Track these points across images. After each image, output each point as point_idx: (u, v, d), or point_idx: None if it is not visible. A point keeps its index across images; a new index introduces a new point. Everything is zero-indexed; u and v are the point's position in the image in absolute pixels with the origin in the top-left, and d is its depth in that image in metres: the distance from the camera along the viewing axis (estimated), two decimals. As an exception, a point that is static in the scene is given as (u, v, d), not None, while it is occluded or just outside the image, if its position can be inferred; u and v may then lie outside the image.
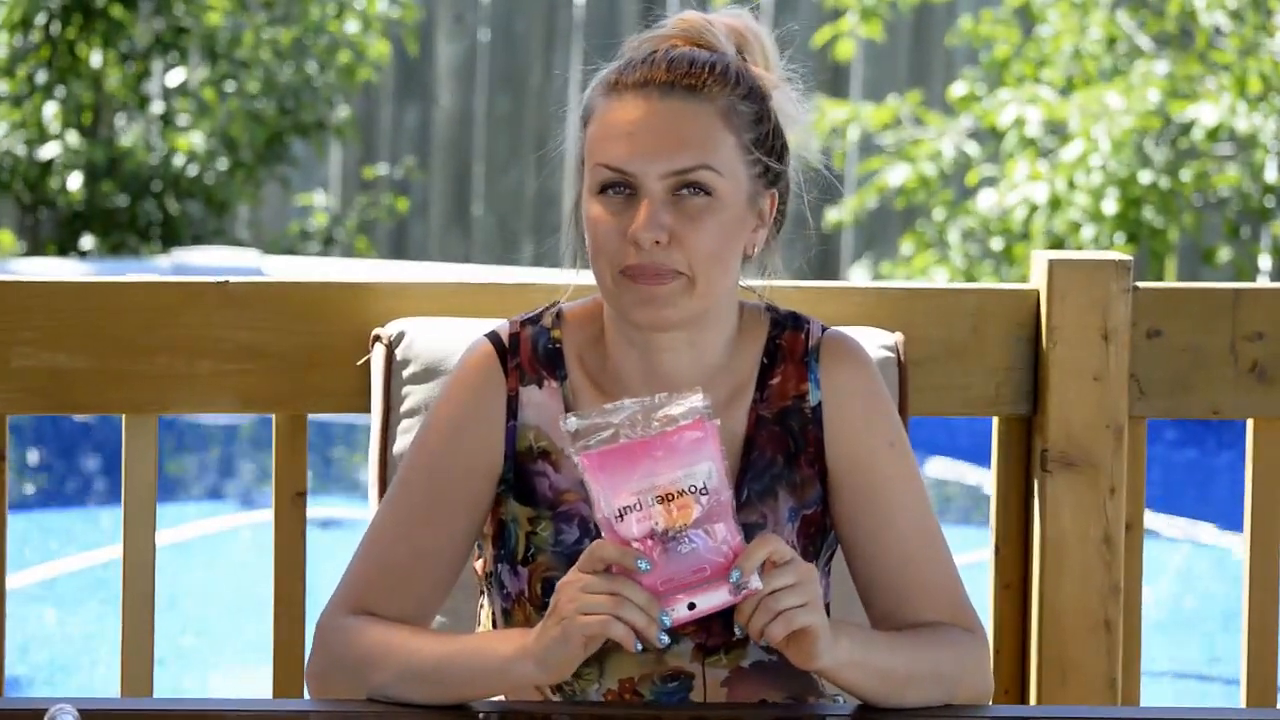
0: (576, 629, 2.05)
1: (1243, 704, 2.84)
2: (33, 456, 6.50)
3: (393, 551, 2.24)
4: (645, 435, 2.00)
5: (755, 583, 2.04)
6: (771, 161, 2.24)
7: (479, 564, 2.35)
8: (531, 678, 2.11)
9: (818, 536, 2.28)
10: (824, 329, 2.31)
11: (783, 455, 2.26)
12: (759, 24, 2.29)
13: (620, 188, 2.19)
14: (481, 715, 2.16)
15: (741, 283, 2.31)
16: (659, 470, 2.00)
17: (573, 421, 2.03)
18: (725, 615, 2.18)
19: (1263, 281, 7.01)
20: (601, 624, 2.04)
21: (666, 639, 2.04)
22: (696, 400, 2.03)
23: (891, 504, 2.25)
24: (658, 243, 2.17)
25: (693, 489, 2.01)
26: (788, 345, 2.29)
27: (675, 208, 2.18)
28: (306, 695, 2.28)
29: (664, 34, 2.27)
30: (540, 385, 2.27)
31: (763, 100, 2.24)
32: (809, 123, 2.30)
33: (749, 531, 2.22)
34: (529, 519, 2.25)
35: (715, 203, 2.19)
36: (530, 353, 2.28)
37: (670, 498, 2.01)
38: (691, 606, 2.03)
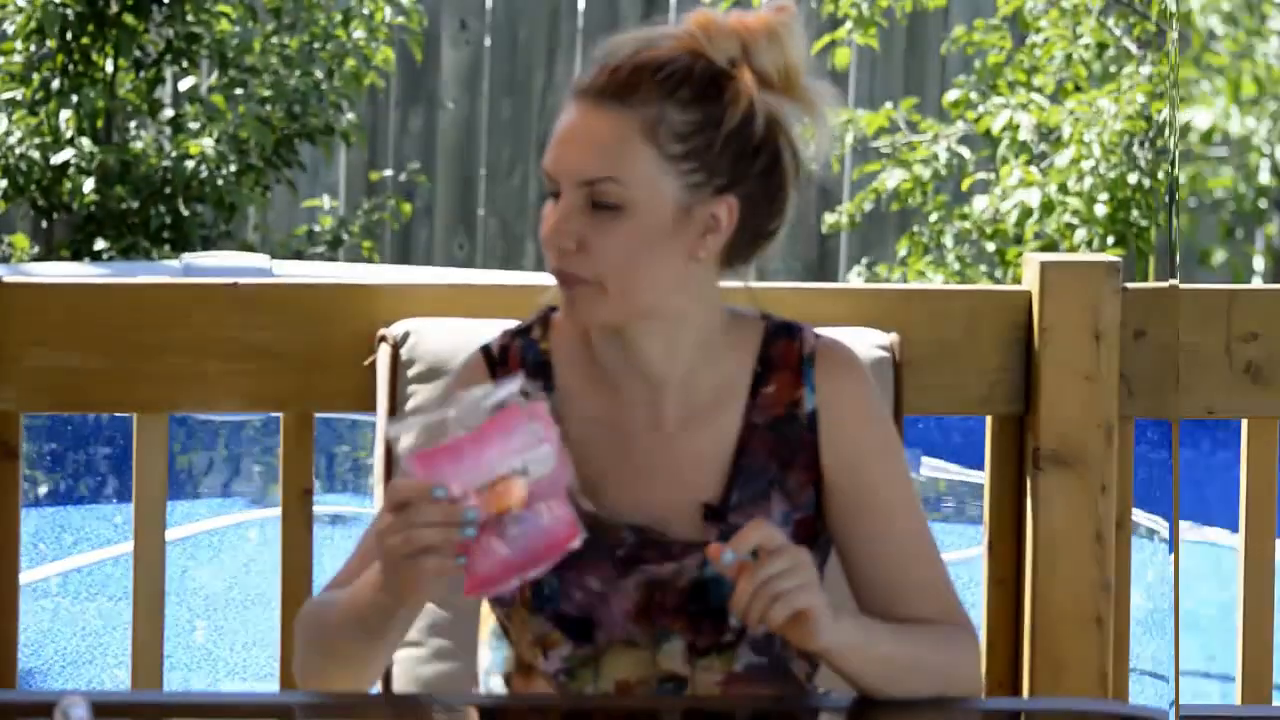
0: (401, 583, 2.05)
1: (1238, 701, 2.86)
2: (47, 454, 6.52)
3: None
4: (470, 429, 2.02)
5: (728, 557, 2.06)
6: (718, 173, 2.21)
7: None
8: (393, 604, 2.11)
9: (811, 541, 2.28)
10: (817, 336, 2.32)
11: (776, 462, 2.27)
12: (786, 17, 2.23)
13: (554, 192, 2.23)
14: (477, 708, 2.18)
15: (730, 284, 2.31)
16: (481, 460, 2.01)
17: (396, 428, 2.03)
18: (715, 614, 2.22)
19: (1257, 283, 7.01)
20: (415, 570, 2.03)
21: (472, 532, 2.01)
22: (513, 385, 2.04)
23: (886, 507, 2.27)
24: (566, 249, 2.20)
25: (514, 471, 2.02)
26: (781, 355, 2.30)
27: (589, 216, 2.20)
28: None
29: (646, 35, 2.24)
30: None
31: (717, 105, 2.20)
32: (831, 123, 2.26)
33: None
34: (517, 522, 2.27)
35: (625, 213, 2.20)
36: (519, 364, 2.30)
37: (492, 484, 2.02)
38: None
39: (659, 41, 2.24)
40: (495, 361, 2.31)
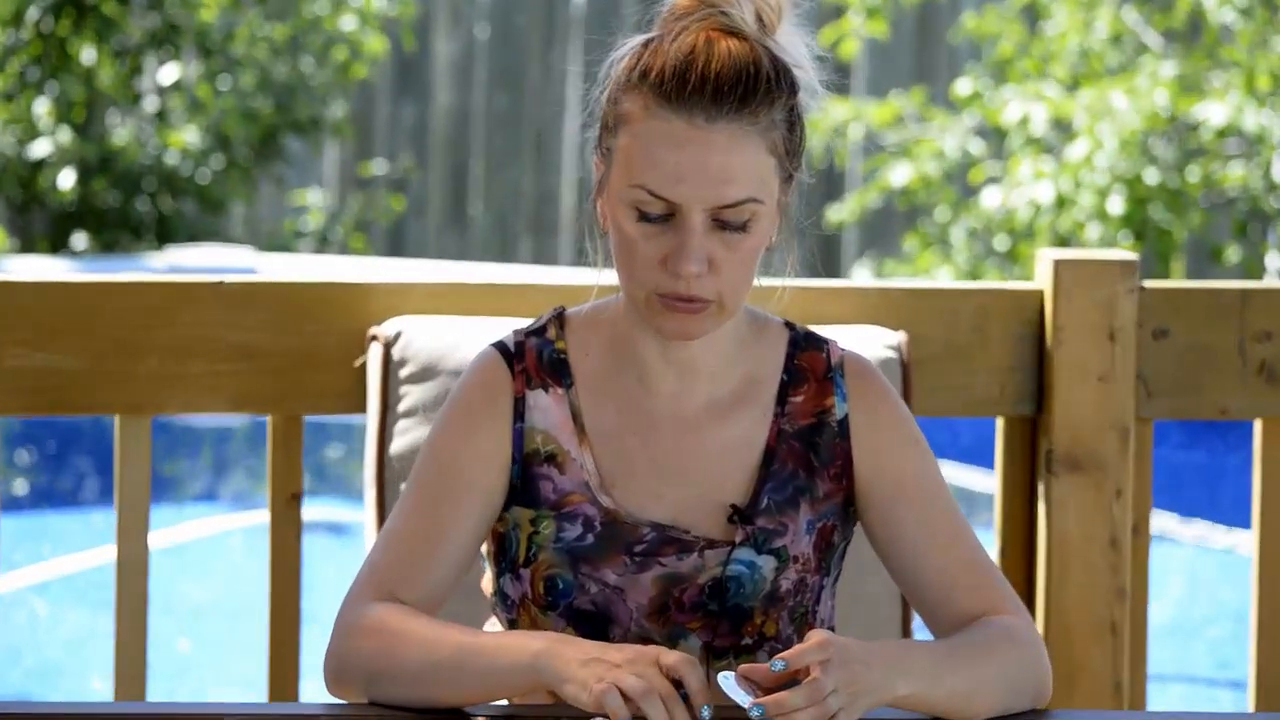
0: (605, 699, 2.03)
1: (1251, 708, 2.82)
2: (25, 457, 6.47)
3: (410, 537, 2.23)
4: None
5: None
6: (795, 166, 2.21)
7: (485, 583, 2.33)
8: (546, 681, 2.09)
9: (828, 551, 2.28)
10: (840, 347, 2.31)
11: (804, 469, 2.26)
12: None
13: (664, 215, 2.16)
14: (481, 718, 2.13)
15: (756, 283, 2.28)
16: None
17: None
18: (734, 615, 2.21)
19: (1270, 281, 6.97)
20: (611, 704, 2.02)
21: None
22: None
23: (924, 500, 2.26)
24: (700, 274, 2.15)
25: None
26: (808, 365, 2.29)
27: (716, 236, 2.16)
28: (302, 698, 2.25)
29: (687, 7, 2.17)
30: (546, 390, 2.27)
31: (794, 94, 2.19)
32: (818, 87, 2.23)
33: (765, 536, 2.22)
34: (530, 520, 2.25)
35: (754, 227, 2.17)
36: (535, 361, 2.28)
37: None
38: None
39: (717, 32, 2.16)
40: (512, 356, 2.27)
